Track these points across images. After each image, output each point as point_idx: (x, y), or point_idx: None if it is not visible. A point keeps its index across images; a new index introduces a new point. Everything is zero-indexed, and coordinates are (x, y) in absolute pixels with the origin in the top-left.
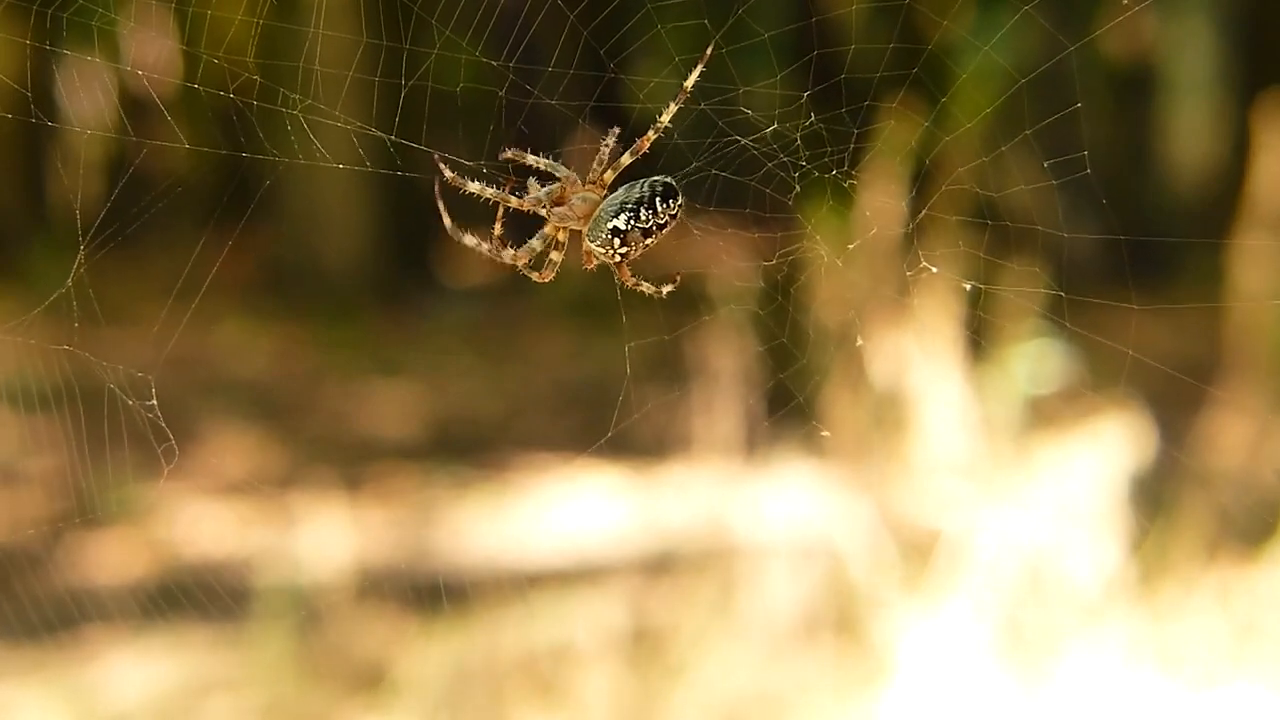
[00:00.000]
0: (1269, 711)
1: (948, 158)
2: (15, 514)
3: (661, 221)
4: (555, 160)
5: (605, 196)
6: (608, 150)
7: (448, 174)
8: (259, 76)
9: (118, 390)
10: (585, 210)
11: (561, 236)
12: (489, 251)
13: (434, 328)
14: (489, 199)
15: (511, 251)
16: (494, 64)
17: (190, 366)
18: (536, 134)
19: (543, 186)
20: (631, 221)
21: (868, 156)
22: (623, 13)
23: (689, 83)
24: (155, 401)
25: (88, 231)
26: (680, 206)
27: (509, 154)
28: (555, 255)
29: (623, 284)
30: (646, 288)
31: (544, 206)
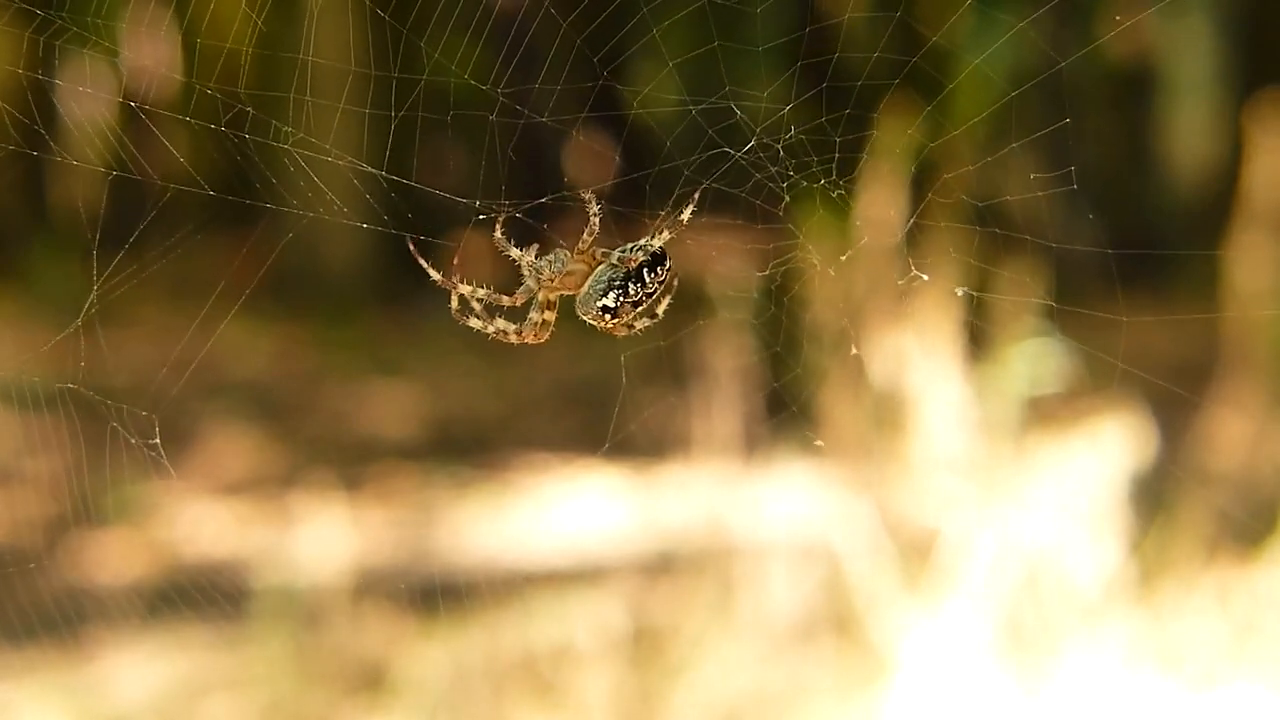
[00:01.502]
0: (1269, 711)
1: (943, 163)
2: (15, 514)
3: (650, 290)
4: (535, 253)
5: (595, 267)
6: (595, 220)
7: (435, 276)
8: (251, 108)
9: (120, 430)
10: (574, 283)
11: (553, 298)
12: (495, 332)
13: (434, 328)
14: (483, 299)
15: (502, 323)
16: (483, 87)
17: (190, 367)
18: (532, 147)
19: (536, 256)
20: (620, 299)
21: (863, 164)
22: (618, 18)
23: (686, 214)
24: (159, 440)
25: (94, 244)
26: (669, 270)
27: (496, 236)
28: (548, 315)
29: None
30: (643, 323)
31: (532, 292)
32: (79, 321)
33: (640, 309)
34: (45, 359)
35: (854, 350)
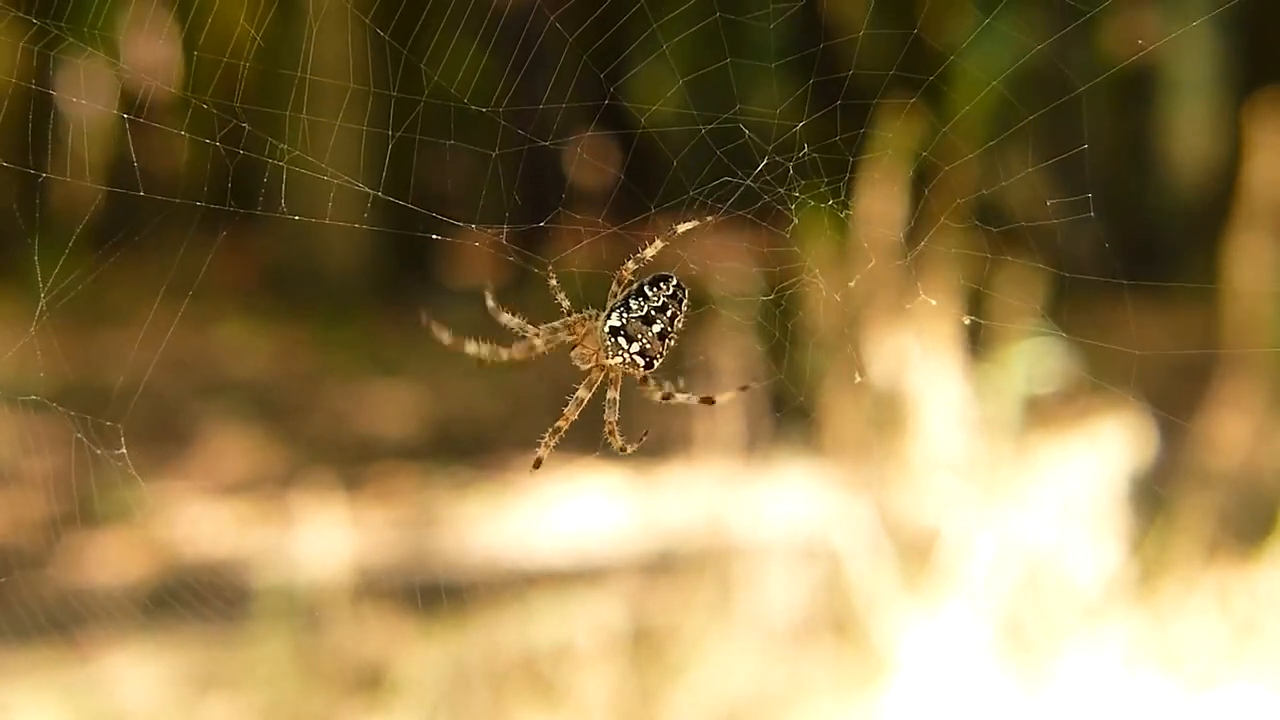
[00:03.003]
0: (1269, 711)
1: (953, 181)
2: (15, 514)
3: (658, 304)
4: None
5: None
6: (567, 309)
7: (445, 339)
8: (247, 124)
9: (85, 442)
10: (592, 340)
11: (595, 374)
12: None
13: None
14: (484, 358)
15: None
16: (484, 110)
17: (190, 367)
18: (535, 165)
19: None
20: (624, 315)
21: (865, 181)
22: (626, 33)
23: (683, 228)
24: (124, 450)
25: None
26: (677, 286)
27: (490, 304)
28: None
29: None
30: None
31: (533, 350)
32: (32, 330)
33: (655, 329)
34: (34, 373)
35: (857, 379)
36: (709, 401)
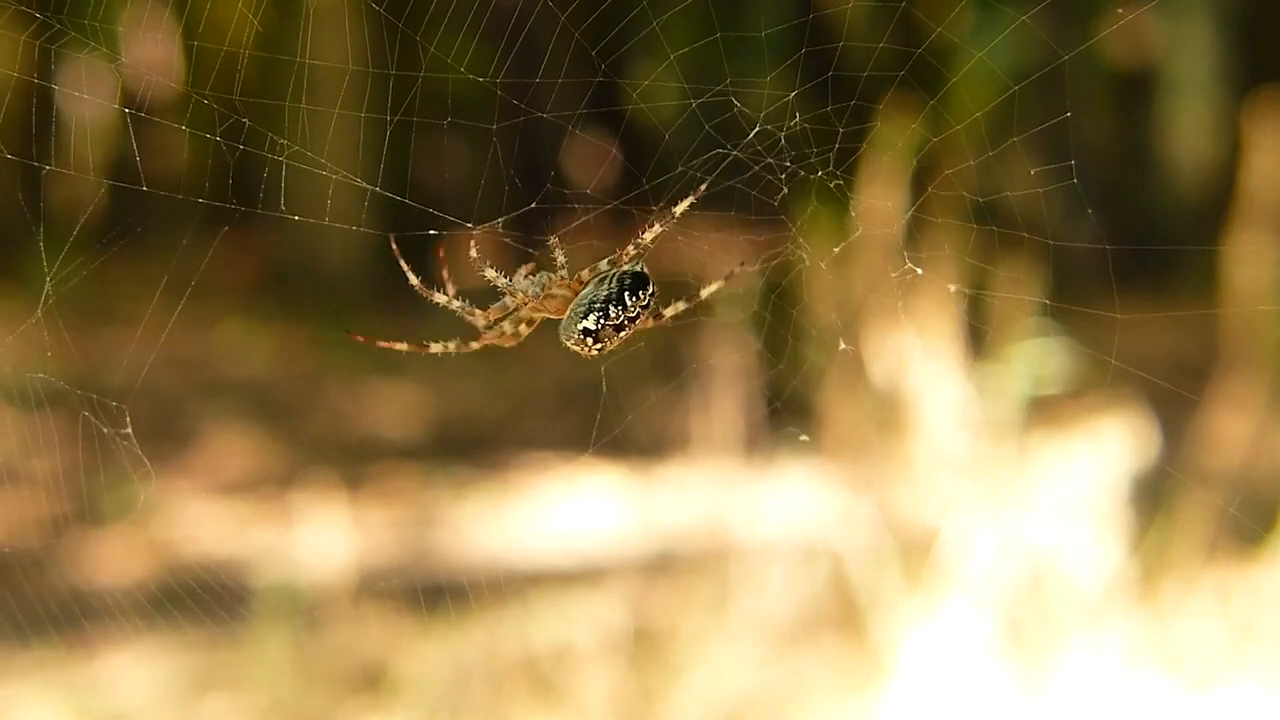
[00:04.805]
0: (1269, 711)
1: (941, 159)
2: (15, 514)
3: (633, 314)
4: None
5: (579, 291)
6: (561, 260)
7: (413, 281)
8: (248, 119)
9: (92, 419)
10: (557, 307)
11: (535, 317)
12: (461, 309)
13: (434, 328)
14: (457, 310)
15: (483, 315)
16: (480, 80)
17: (190, 366)
18: (530, 145)
19: (523, 276)
20: (601, 321)
21: (860, 158)
22: (617, 10)
23: (680, 209)
24: (130, 430)
25: (81, 237)
26: (652, 295)
27: (472, 255)
28: (523, 329)
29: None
30: (670, 312)
31: (507, 310)
32: (39, 312)
33: (622, 335)
34: (40, 355)
35: (843, 345)
36: (696, 297)
